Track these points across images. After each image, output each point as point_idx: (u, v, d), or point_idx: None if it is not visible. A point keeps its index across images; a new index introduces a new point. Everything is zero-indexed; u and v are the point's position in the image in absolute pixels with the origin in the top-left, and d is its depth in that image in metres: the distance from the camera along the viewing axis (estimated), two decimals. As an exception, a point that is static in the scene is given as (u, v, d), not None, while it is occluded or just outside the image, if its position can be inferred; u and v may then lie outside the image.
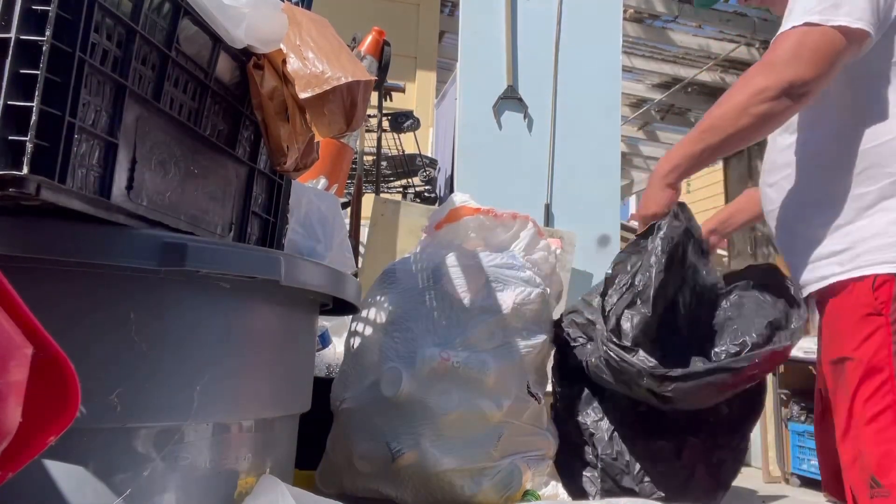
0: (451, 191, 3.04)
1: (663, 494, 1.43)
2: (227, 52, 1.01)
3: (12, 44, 0.70)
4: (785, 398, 3.23)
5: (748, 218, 1.82)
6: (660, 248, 1.40)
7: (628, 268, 1.44)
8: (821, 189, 1.29)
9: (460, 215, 1.51)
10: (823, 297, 1.27)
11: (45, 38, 0.70)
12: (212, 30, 0.94)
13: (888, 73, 1.21)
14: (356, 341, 1.47)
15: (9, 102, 0.69)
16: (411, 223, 2.61)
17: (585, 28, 2.95)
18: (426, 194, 3.63)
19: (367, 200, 3.01)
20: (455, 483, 1.30)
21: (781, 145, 1.38)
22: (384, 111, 3.09)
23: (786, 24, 1.22)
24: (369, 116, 3.14)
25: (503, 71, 2.88)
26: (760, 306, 1.49)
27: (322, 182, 1.87)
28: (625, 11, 4.99)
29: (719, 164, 8.41)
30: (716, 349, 1.43)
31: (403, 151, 3.67)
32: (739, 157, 7.40)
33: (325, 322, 1.75)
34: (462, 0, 2.94)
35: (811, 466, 2.99)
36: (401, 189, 3.80)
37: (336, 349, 1.75)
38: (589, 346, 1.46)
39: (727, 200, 6.60)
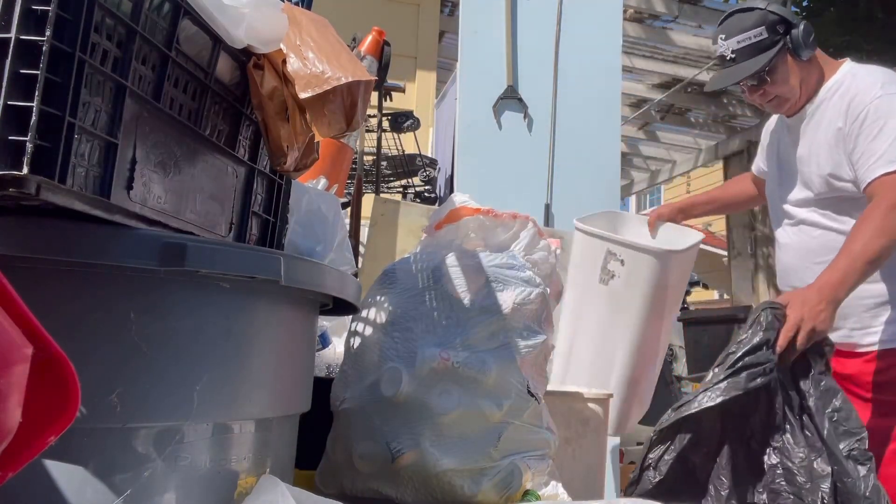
0: (451, 191, 3.04)
1: None
2: (227, 52, 1.01)
3: (12, 44, 0.70)
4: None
5: (715, 209, 2.56)
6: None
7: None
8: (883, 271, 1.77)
9: (460, 215, 1.51)
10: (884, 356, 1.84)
11: (45, 38, 0.70)
12: (212, 30, 0.94)
13: None
14: (356, 341, 1.47)
15: (9, 102, 0.69)
16: (411, 223, 2.61)
17: (585, 28, 2.95)
18: (426, 194, 3.64)
19: (367, 200, 3.01)
20: (455, 483, 1.30)
21: (818, 232, 1.91)
22: (384, 111, 3.10)
23: (873, 173, 1.73)
24: (369, 116, 3.14)
25: (503, 71, 2.88)
26: None
27: (322, 182, 1.87)
28: (625, 11, 4.98)
29: (719, 164, 8.42)
30: None
31: (403, 151, 3.67)
32: (740, 156, 7.40)
33: (325, 322, 1.75)
34: (462, 0, 2.94)
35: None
36: (401, 189, 3.80)
37: (336, 349, 1.75)
38: None
39: (727, 200, 6.55)
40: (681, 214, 2.27)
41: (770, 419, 1.52)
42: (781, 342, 1.53)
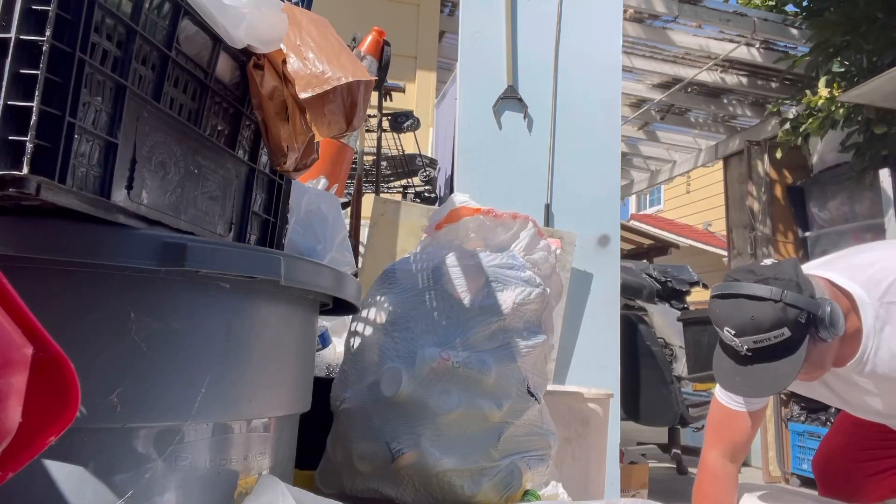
0: (451, 191, 3.04)
1: None
2: (227, 52, 1.01)
3: (12, 44, 0.70)
4: (785, 398, 3.23)
5: None
6: None
7: None
8: None
9: (460, 215, 1.51)
10: None
11: (45, 38, 0.70)
12: (212, 30, 0.94)
13: None
14: (356, 341, 1.47)
15: (9, 102, 0.69)
16: (411, 223, 2.61)
17: (585, 28, 2.95)
18: (426, 194, 3.63)
19: (367, 200, 3.01)
20: (455, 483, 1.30)
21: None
22: (384, 111, 3.09)
23: None
24: (369, 116, 3.14)
25: (503, 71, 2.88)
26: None
27: (322, 182, 1.87)
28: (625, 11, 4.99)
29: (719, 164, 8.41)
30: None
31: (403, 151, 3.67)
32: (740, 157, 7.40)
33: (325, 322, 1.75)
34: (462, 0, 2.94)
35: (811, 466, 2.99)
36: (401, 189, 3.80)
37: (336, 349, 1.75)
38: None
39: (727, 200, 6.59)
40: None
41: None
42: None
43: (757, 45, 6.04)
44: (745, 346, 1.48)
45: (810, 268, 1.65)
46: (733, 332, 1.48)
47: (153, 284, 0.84)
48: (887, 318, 1.54)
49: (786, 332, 1.45)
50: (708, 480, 1.74)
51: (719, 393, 1.74)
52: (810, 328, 1.47)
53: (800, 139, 5.58)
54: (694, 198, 12.19)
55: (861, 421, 1.78)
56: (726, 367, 1.55)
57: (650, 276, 5.73)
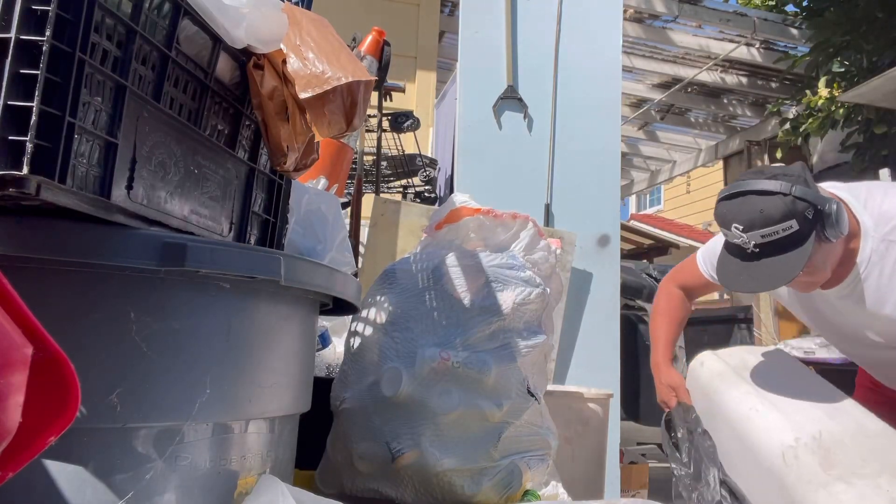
0: (451, 191, 3.04)
1: None
2: (227, 52, 1.01)
3: (12, 44, 0.70)
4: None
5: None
6: None
7: None
8: None
9: (460, 215, 1.51)
10: None
11: (45, 38, 0.70)
12: (212, 30, 0.94)
13: None
14: (356, 341, 1.47)
15: (9, 102, 0.69)
16: (411, 223, 2.61)
17: (585, 28, 2.95)
18: (426, 194, 3.64)
19: (367, 200, 3.01)
20: (455, 483, 1.30)
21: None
22: (384, 111, 3.10)
23: None
24: (369, 116, 3.14)
25: (503, 71, 2.88)
26: None
27: (322, 182, 1.87)
28: (625, 11, 4.99)
29: (719, 164, 8.41)
30: None
31: (403, 151, 3.67)
32: (739, 156, 7.40)
33: (325, 322, 1.75)
34: (462, 0, 2.94)
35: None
36: (401, 189, 3.80)
37: (336, 349, 1.75)
38: None
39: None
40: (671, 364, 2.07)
41: None
42: None
43: (757, 45, 6.04)
44: (753, 242, 1.50)
45: (833, 187, 1.69)
46: (741, 227, 1.51)
47: (153, 284, 0.84)
48: (884, 254, 1.60)
49: (794, 226, 1.49)
50: (664, 299, 2.07)
51: (701, 262, 1.94)
52: (816, 224, 1.51)
53: (800, 139, 5.58)
54: (694, 198, 12.20)
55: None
56: (732, 269, 1.58)
57: (650, 276, 5.73)
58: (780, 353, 1.94)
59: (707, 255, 1.91)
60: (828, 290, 1.69)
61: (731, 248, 1.58)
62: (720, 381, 1.81)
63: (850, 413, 1.61)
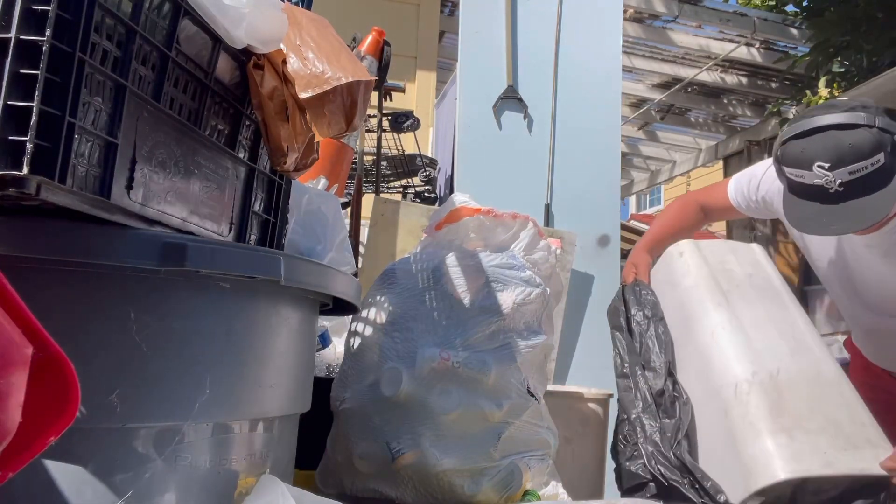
0: (451, 191, 3.04)
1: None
2: (227, 52, 1.01)
3: (12, 44, 0.70)
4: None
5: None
6: None
7: None
8: None
9: (460, 215, 1.51)
10: None
11: (45, 38, 0.70)
12: (212, 30, 0.94)
13: None
14: (356, 341, 1.47)
15: (9, 102, 0.69)
16: (411, 223, 2.61)
17: (585, 28, 2.95)
18: (426, 194, 3.64)
19: (367, 200, 3.01)
20: (455, 483, 1.30)
21: None
22: (384, 111, 3.10)
23: None
24: (369, 116, 3.15)
25: (503, 71, 2.88)
26: None
27: (322, 182, 1.87)
28: (625, 11, 4.99)
29: (719, 164, 8.42)
30: None
31: (403, 151, 3.67)
32: (740, 156, 7.40)
33: (325, 322, 1.75)
34: (462, 0, 2.94)
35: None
36: (401, 189, 3.80)
37: (336, 349, 1.75)
38: None
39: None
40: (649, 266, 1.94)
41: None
42: None
43: (757, 45, 6.04)
44: (839, 180, 1.40)
45: None
46: (827, 165, 1.40)
47: (153, 284, 0.84)
48: None
49: (881, 159, 1.40)
50: (677, 204, 2.00)
51: (732, 188, 1.88)
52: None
53: (800, 139, 5.56)
54: (694, 197, 12.18)
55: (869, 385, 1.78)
56: (808, 213, 1.47)
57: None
58: (759, 262, 1.78)
59: (740, 184, 1.85)
60: (863, 234, 1.58)
61: (806, 191, 1.46)
62: (695, 282, 1.68)
63: (813, 352, 1.52)
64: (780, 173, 1.53)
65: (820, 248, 1.79)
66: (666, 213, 2.01)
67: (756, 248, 1.82)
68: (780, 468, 1.30)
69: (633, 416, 1.52)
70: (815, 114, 1.47)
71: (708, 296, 1.63)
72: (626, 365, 1.64)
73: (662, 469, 1.41)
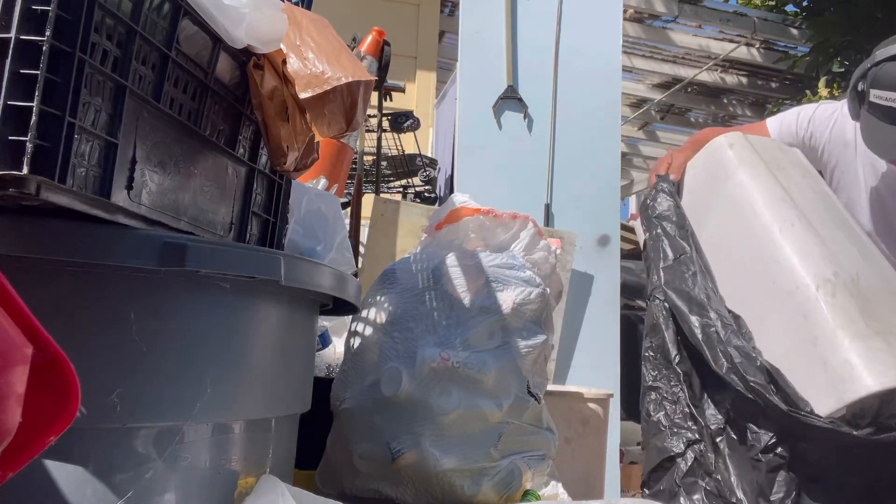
0: (451, 191, 3.04)
1: None
2: (227, 52, 1.01)
3: (12, 44, 0.70)
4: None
5: None
6: None
7: None
8: None
9: (460, 215, 1.51)
10: None
11: (45, 38, 0.70)
12: (212, 30, 0.94)
13: None
14: (356, 341, 1.47)
15: (9, 102, 0.69)
16: (411, 223, 2.61)
17: (585, 28, 2.95)
18: (426, 194, 3.64)
19: (367, 200, 3.01)
20: (455, 483, 1.30)
21: None
22: (384, 111, 3.10)
23: None
24: (369, 116, 3.15)
25: (503, 71, 2.88)
26: None
27: (322, 182, 1.87)
28: (625, 11, 4.99)
29: (719, 164, 8.40)
30: None
31: (403, 151, 3.68)
32: (739, 157, 7.38)
33: (325, 322, 1.75)
34: (462, 0, 2.94)
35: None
36: (401, 189, 3.80)
37: (336, 349, 1.75)
38: None
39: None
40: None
41: None
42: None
43: (757, 45, 6.04)
44: None
45: None
46: None
47: (153, 284, 0.84)
48: None
49: None
50: (717, 129, 1.86)
51: (772, 125, 1.81)
52: None
53: (800, 139, 5.56)
54: (694, 197, 12.19)
55: None
56: None
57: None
58: (806, 165, 1.66)
59: (786, 119, 1.80)
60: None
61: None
62: (752, 176, 1.53)
63: (882, 263, 1.41)
64: (863, 100, 1.47)
65: (852, 192, 1.72)
66: (703, 132, 1.91)
67: (799, 153, 1.69)
68: (886, 375, 1.17)
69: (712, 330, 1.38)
70: None
71: (769, 192, 1.49)
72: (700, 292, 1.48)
73: (749, 376, 1.28)
